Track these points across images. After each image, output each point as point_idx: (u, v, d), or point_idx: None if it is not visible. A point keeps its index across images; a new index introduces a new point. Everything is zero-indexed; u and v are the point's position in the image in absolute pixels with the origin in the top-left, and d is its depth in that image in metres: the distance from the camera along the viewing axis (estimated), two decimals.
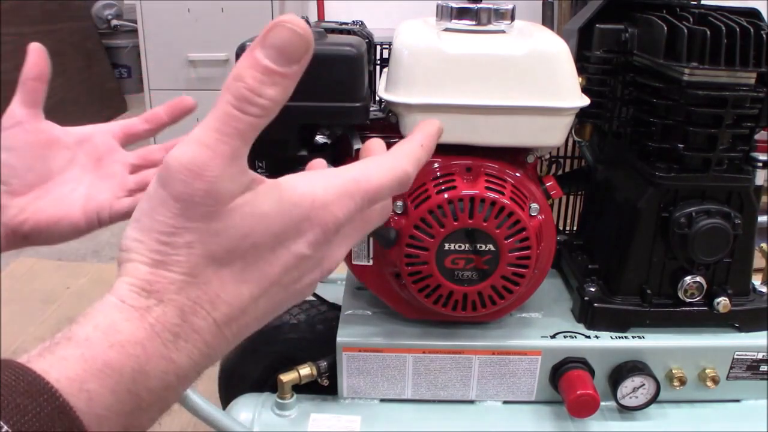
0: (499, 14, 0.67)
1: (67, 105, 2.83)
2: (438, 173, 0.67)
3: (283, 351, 0.83)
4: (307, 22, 0.66)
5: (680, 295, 0.75)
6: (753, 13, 0.71)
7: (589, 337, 0.76)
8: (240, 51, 0.63)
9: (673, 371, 0.75)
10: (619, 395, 0.74)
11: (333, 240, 0.35)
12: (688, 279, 0.74)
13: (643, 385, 0.74)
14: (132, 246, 0.30)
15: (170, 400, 0.31)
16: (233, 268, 0.31)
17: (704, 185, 0.72)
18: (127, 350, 0.28)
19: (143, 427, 0.29)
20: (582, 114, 0.69)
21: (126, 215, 0.58)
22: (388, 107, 0.69)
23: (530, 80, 0.64)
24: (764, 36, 0.67)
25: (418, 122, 0.66)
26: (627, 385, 0.74)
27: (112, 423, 0.27)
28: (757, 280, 0.80)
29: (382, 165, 0.37)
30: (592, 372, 0.74)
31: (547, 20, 1.86)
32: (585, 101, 0.66)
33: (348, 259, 0.74)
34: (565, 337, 0.75)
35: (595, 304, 0.77)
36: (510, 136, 0.67)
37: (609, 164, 0.83)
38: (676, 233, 0.72)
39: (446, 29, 0.68)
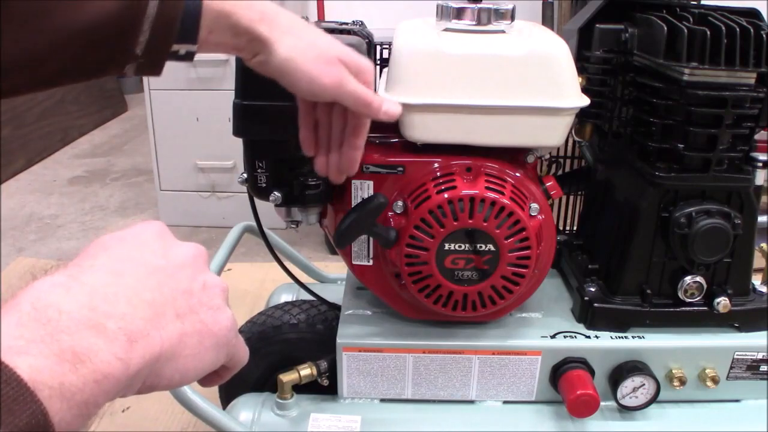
0: (499, 14, 0.67)
1: (67, 105, 2.83)
2: (438, 173, 0.67)
3: (283, 351, 0.83)
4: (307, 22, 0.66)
5: (680, 295, 0.75)
6: (753, 13, 0.71)
7: (589, 337, 0.76)
8: None
9: (673, 371, 0.75)
10: (619, 395, 0.74)
11: None
12: (688, 279, 0.74)
13: (643, 385, 0.74)
14: None
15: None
16: None
17: (704, 185, 0.72)
18: None
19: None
20: (582, 114, 0.70)
21: None
22: None
23: (530, 80, 0.64)
24: (764, 36, 0.67)
25: (417, 122, 0.67)
26: (627, 385, 0.74)
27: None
28: (757, 280, 0.80)
29: None
30: (592, 372, 0.74)
31: (547, 20, 1.86)
32: (585, 101, 0.66)
33: (348, 259, 0.74)
34: (565, 337, 0.75)
35: (595, 304, 0.77)
36: (510, 136, 0.66)
37: (609, 164, 0.83)
38: (676, 233, 0.72)
39: (446, 29, 0.68)
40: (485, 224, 0.65)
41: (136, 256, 0.34)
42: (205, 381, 0.41)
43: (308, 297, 0.87)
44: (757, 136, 0.73)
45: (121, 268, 0.33)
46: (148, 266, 0.34)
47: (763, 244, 0.89)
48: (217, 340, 0.36)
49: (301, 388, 0.76)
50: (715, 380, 0.75)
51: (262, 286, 1.39)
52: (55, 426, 0.26)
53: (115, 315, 0.30)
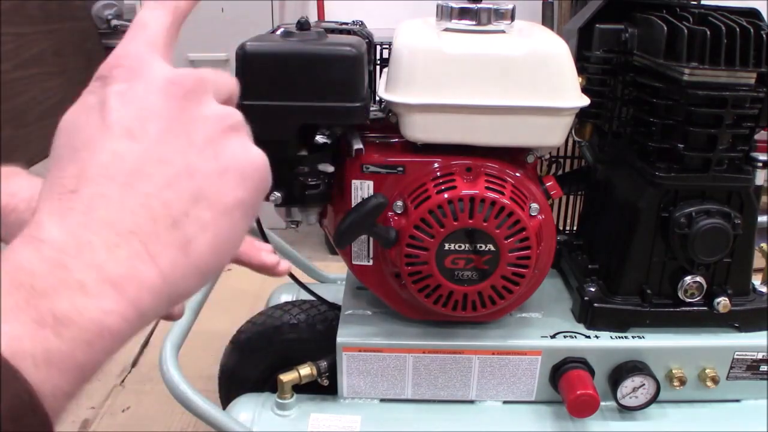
0: (499, 14, 0.67)
1: (67, 105, 2.81)
2: (438, 173, 0.67)
3: (283, 351, 0.83)
4: (308, 22, 0.66)
5: (680, 295, 0.75)
6: (753, 13, 0.71)
7: (589, 337, 0.76)
8: (240, 51, 0.63)
9: (673, 371, 0.75)
10: (619, 395, 0.74)
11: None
12: (688, 279, 0.74)
13: (643, 385, 0.74)
14: None
15: None
16: None
17: (704, 185, 0.72)
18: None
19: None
20: (582, 114, 0.69)
21: None
22: (388, 107, 0.69)
23: (530, 80, 0.64)
24: (764, 36, 0.67)
25: (417, 122, 0.67)
26: (627, 385, 0.74)
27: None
28: (757, 280, 0.80)
29: None
30: (592, 372, 0.74)
31: (547, 20, 1.86)
32: (585, 101, 0.66)
33: (348, 259, 0.74)
34: (565, 337, 0.75)
35: (595, 304, 0.77)
36: (510, 136, 0.66)
37: (609, 164, 0.83)
38: (676, 233, 0.72)
39: (446, 29, 0.68)
40: (485, 224, 0.65)
41: (104, 160, 0.28)
42: None
43: (308, 297, 0.87)
44: (757, 136, 0.73)
45: (88, 195, 0.27)
46: (122, 170, 0.28)
47: (763, 244, 0.89)
48: (242, 206, 0.30)
49: (301, 388, 0.76)
50: (715, 380, 0.75)
51: (262, 286, 1.39)
52: (48, 396, 0.24)
53: (93, 266, 0.26)
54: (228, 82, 0.34)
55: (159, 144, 0.28)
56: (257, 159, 0.32)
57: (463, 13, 0.67)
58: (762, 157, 0.73)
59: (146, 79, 0.30)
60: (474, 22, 0.67)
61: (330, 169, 0.68)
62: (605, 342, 0.75)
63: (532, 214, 0.67)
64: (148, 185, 0.28)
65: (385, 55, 0.80)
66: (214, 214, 0.29)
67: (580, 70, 0.74)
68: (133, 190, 0.27)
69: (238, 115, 0.32)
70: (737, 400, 0.79)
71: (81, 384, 0.26)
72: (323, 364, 0.76)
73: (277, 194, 0.68)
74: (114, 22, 3.40)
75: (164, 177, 0.28)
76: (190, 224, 0.28)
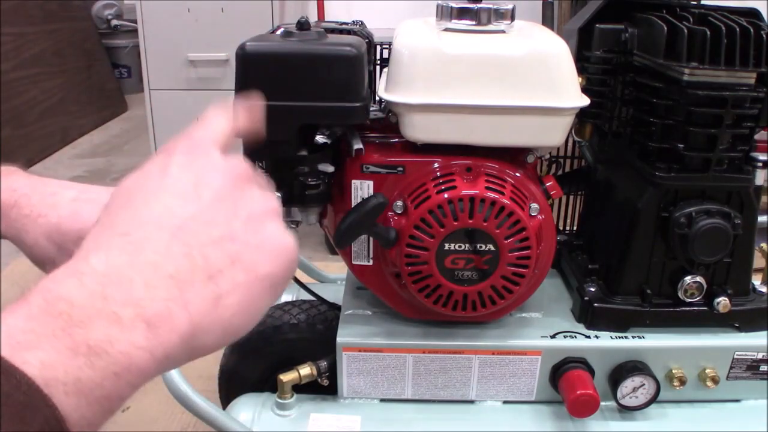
0: (499, 14, 0.67)
1: (67, 105, 2.83)
2: (438, 173, 0.67)
3: (283, 351, 0.83)
4: (308, 22, 0.66)
5: (680, 295, 0.75)
6: (753, 13, 0.71)
7: (589, 337, 0.76)
8: (240, 51, 0.63)
9: (673, 371, 0.75)
10: (619, 395, 0.74)
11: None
12: (688, 279, 0.74)
13: (643, 385, 0.74)
14: None
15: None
16: None
17: (704, 185, 0.72)
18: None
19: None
20: (582, 114, 0.69)
21: None
22: (388, 107, 0.69)
23: (530, 80, 0.64)
24: (764, 36, 0.67)
25: (417, 122, 0.67)
26: (627, 385, 0.74)
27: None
28: (757, 280, 0.80)
29: None
30: (592, 372, 0.74)
31: (547, 20, 1.86)
32: (585, 101, 0.66)
33: (348, 259, 0.74)
34: (565, 337, 0.75)
35: (595, 304, 0.77)
36: (510, 136, 0.66)
37: (609, 164, 0.83)
38: (676, 233, 0.72)
39: (446, 29, 0.68)
40: (485, 224, 0.65)
41: (158, 212, 0.30)
42: None
43: (308, 297, 0.87)
44: (757, 136, 0.73)
45: (138, 239, 0.29)
46: (173, 223, 0.30)
47: (763, 244, 0.89)
48: (271, 279, 0.33)
49: (301, 388, 0.76)
50: (715, 380, 0.75)
51: None
52: (74, 425, 0.25)
53: (131, 301, 0.28)
54: (264, 181, 0.38)
55: (209, 209, 0.32)
56: (290, 243, 0.35)
57: (463, 13, 0.67)
58: (762, 157, 0.73)
59: (206, 157, 0.34)
60: (474, 22, 0.67)
61: (330, 169, 0.68)
62: (605, 342, 0.75)
63: (532, 214, 0.67)
64: (194, 239, 0.30)
65: (385, 55, 0.80)
66: (247, 278, 0.32)
67: (580, 70, 0.74)
68: (179, 241, 0.30)
69: (276, 205, 0.36)
70: (737, 400, 0.79)
71: (105, 416, 0.27)
72: (323, 364, 0.76)
73: (277, 194, 0.68)
74: (114, 22, 3.41)
75: (209, 236, 0.31)
76: (225, 282, 0.31)
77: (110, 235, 0.30)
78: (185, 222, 0.31)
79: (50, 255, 0.46)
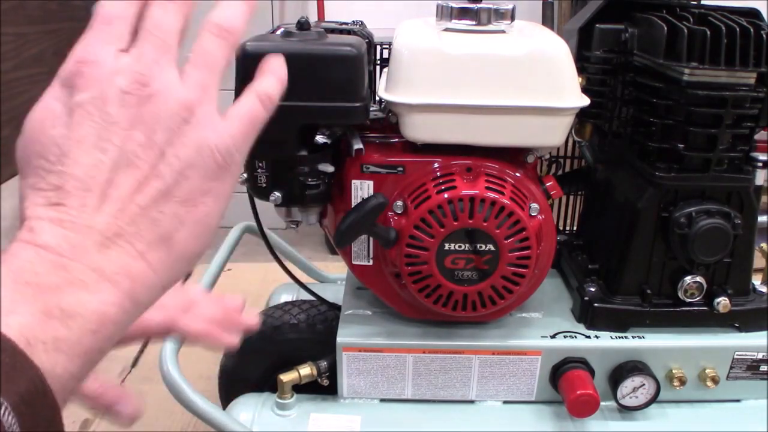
0: (499, 14, 0.67)
1: None
2: (438, 173, 0.67)
3: (283, 351, 0.83)
4: (307, 22, 0.66)
5: (680, 295, 0.75)
6: (753, 13, 0.71)
7: (589, 337, 0.76)
8: (240, 51, 0.63)
9: (673, 371, 0.75)
10: (619, 395, 0.74)
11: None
12: (688, 279, 0.74)
13: (643, 385, 0.74)
14: None
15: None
16: None
17: (704, 185, 0.72)
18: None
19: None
20: (582, 114, 0.69)
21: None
22: (388, 107, 0.69)
23: (530, 80, 0.64)
24: (764, 36, 0.67)
25: (417, 122, 0.67)
26: (627, 385, 0.74)
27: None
28: (757, 280, 0.80)
29: None
30: (592, 372, 0.74)
31: (547, 20, 1.86)
32: (585, 101, 0.66)
33: (348, 259, 0.74)
34: (565, 337, 0.75)
35: (595, 304, 0.77)
36: (510, 136, 0.67)
37: (609, 164, 0.83)
38: (676, 233, 0.72)
39: (446, 29, 0.68)
40: (485, 224, 0.65)
41: (81, 171, 0.31)
42: None
43: (308, 297, 0.87)
44: (757, 136, 0.73)
45: (73, 207, 0.31)
46: (99, 181, 0.31)
47: (763, 244, 0.89)
48: (210, 192, 0.34)
49: (301, 388, 0.76)
50: (715, 380, 0.75)
51: (262, 286, 1.39)
52: (58, 378, 0.27)
53: (90, 267, 0.30)
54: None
55: (125, 151, 0.32)
56: (215, 144, 0.34)
57: (463, 13, 0.67)
58: (762, 157, 0.73)
59: (103, 87, 0.33)
60: (474, 22, 0.67)
61: (330, 169, 0.68)
62: (605, 342, 0.75)
63: (532, 214, 0.67)
64: (121, 192, 0.31)
65: (385, 55, 0.80)
66: (186, 207, 0.33)
67: (580, 70, 0.74)
68: (110, 198, 0.31)
69: (188, 95, 0.34)
70: (737, 400, 0.79)
71: (88, 367, 0.29)
72: (323, 364, 0.76)
73: (277, 194, 0.68)
74: None
75: (134, 182, 0.32)
76: (168, 221, 0.32)
77: (46, 206, 0.31)
78: (109, 176, 0.31)
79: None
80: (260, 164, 0.67)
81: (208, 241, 0.35)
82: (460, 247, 0.66)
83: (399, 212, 0.67)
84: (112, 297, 0.30)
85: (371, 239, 0.72)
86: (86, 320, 0.28)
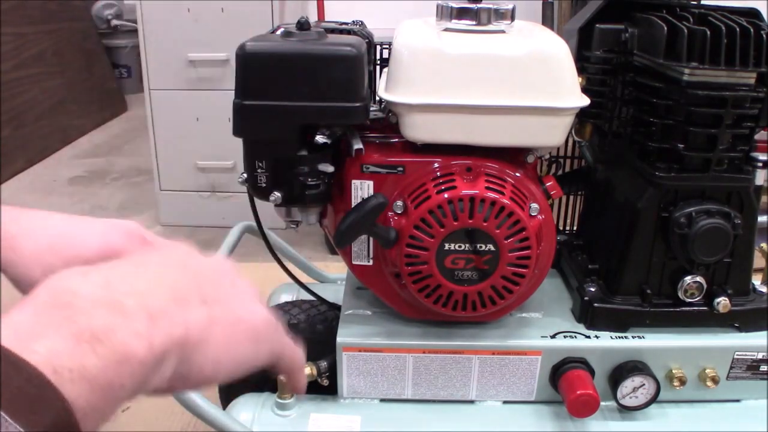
0: (499, 14, 0.67)
1: (67, 105, 2.83)
2: (438, 173, 0.67)
3: None
4: (308, 22, 0.66)
5: (680, 295, 0.75)
6: (753, 13, 0.71)
7: (589, 337, 0.76)
8: (240, 51, 0.63)
9: (673, 371, 0.75)
10: (619, 395, 0.74)
11: None
12: (688, 279, 0.74)
13: (643, 385, 0.74)
14: None
15: None
16: None
17: (704, 185, 0.72)
18: None
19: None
20: (582, 114, 0.70)
21: None
22: (388, 107, 0.69)
23: (530, 80, 0.64)
24: (764, 36, 0.67)
25: (417, 122, 0.67)
26: (627, 385, 0.74)
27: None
28: (757, 280, 0.80)
29: None
30: (592, 372, 0.74)
31: (547, 20, 1.86)
32: (585, 101, 0.66)
33: (348, 259, 0.74)
34: (565, 337, 0.75)
35: (595, 304, 0.77)
36: (510, 136, 0.67)
37: (609, 164, 0.83)
38: (676, 233, 0.72)
39: (446, 29, 0.68)
40: (485, 224, 0.65)
41: (159, 255, 0.34)
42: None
43: (308, 297, 0.87)
44: (757, 136, 0.73)
45: (142, 260, 0.32)
46: (172, 259, 0.33)
47: (763, 244, 0.89)
48: (254, 332, 0.35)
49: None
50: (715, 380, 0.75)
51: (262, 286, 1.39)
52: (82, 413, 0.25)
53: (134, 293, 0.29)
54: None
55: (204, 273, 0.35)
56: (266, 315, 0.37)
57: (463, 13, 0.67)
58: (762, 157, 0.73)
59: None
60: (474, 22, 0.67)
61: (330, 169, 0.68)
62: (605, 342, 0.75)
63: (532, 214, 0.67)
64: (191, 271, 0.34)
65: (385, 55, 0.80)
66: (229, 319, 0.34)
67: (580, 70, 0.74)
68: (178, 266, 0.33)
69: (262, 310, 0.37)
70: (737, 400, 0.79)
71: (110, 405, 0.27)
72: (323, 364, 0.76)
73: (277, 194, 0.68)
74: (114, 22, 3.41)
75: (202, 275, 0.34)
76: (215, 310, 0.33)
77: (112, 262, 0.32)
78: (181, 261, 0.34)
79: (35, 277, 0.45)
80: (260, 164, 0.67)
81: (235, 364, 0.35)
82: (460, 247, 0.66)
83: (399, 212, 0.67)
84: (145, 330, 0.28)
85: (371, 239, 0.72)
86: (114, 349, 0.27)
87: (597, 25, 0.76)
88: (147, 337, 0.28)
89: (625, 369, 0.74)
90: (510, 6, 0.68)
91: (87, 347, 0.26)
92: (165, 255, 0.34)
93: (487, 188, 0.65)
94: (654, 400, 0.74)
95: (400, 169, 0.69)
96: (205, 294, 0.33)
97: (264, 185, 0.68)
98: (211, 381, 0.33)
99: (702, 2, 0.79)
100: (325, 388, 0.77)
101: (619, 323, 0.76)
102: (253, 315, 0.35)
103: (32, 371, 0.24)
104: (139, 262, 0.32)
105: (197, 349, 0.31)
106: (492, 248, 0.65)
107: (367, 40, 0.74)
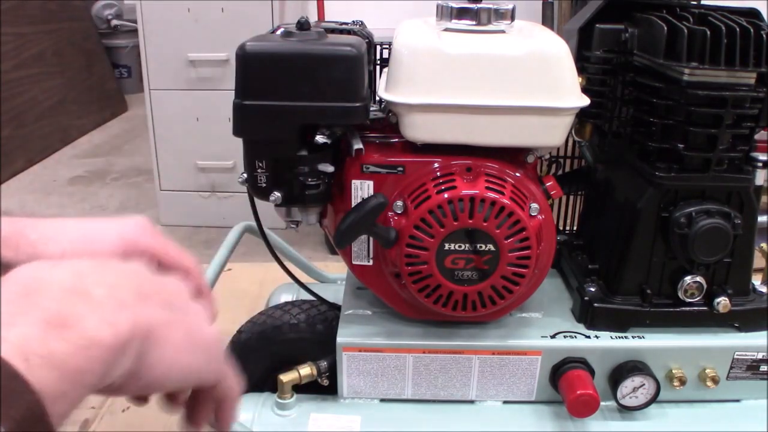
0: (499, 14, 0.67)
1: (67, 105, 2.83)
2: (438, 173, 0.67)
3: (283, 351, 0.83)
4: (308, 22, 0.66)
5: (680, 295, 0.75)
6: (753, 13, 0.71)
7: (589, 337, 0.76)
8: (240, 51, 0.63)
9: (673, 371, 0.75)
10: (619, 395, 0.74)
11: None
12: (688, 279, 0.74)
13: (643, 385, 0.74)
14: None
15: None
16: None
17: (704, 185, 0.72)
18: None
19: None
20: (582, 114, 0.70)
21: None
22: (388, 107, 0.69)
23: (530, 80, 0.64)
24: (764, 36, 0.67)
25: (417, 122, 0.67)
26: (627, 385, 0.74)
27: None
28: (757, 280, 0.80)
29: None
30: (592, 372, 0.74)
31: (547, 20, 1.86)
32: (585, 101, 0.66)
33: (348, 259, 0.74)
34: (565, 337, 0.75)
35: (595, 304, 0.77)
36: (510, 136, 0.66)
37: (609, 164, 0.83)
38: (676, 233, 0.72)
39: (446, 29, 0.68)
40: (485, 224, 0.65)
41: (123, 263, 0.34)
42: (174, 400, 0.41)
43: (308, 297, 0.87)
44: (757, 136, 0.73)
45: (107, 262, 0.33)
46: (135, 267, 0.34)
47: (763, 244, 0.89)
48: (206, 346, 0.35)
49: (301, 388, 0.76)
50: (715, 380, 0.75)
51: (262, 286, 1.39)
52: (52, 400, 0.26)
53: (103, 284, 0.30)
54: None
55: (158, 286, 0.35)
56: (213, 334, 0.37)
57: (463, 13, 0.67)
58: (762, 157, 0.73)
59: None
60: (474, 22, 0.67)
61: (330, 169, 0.68)
62: (605, 342, 0.75)
63: (532, 214, 0.67)
64: (146, 282, 0.34)
65: (385, 55, 0.80)
66: (185, 327, 0.34)
67: (580, 70, 0.74)
68: (136, 276, 0.33)
69: (210, 327, 0.38)
70: (737, 400, 0.79)
71: (80, 391, 0.27)
72: (323, 364, 0.76)
73: (277, 194, 0.68)
74: (114, 22, 3.41)
75: (158, 286, 0.34)
76: (174, 313, 0.33)
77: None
78: (139, 272, 0.34)
79: None
80: (260, 164, 0.67)
81: (188, 372, 0.35)
82: (460, 247, 0.66)
83: (399, 212, 0.67)
84: (112, 316, 0.29)
85: (371, 239, 0.72)
86: (81, 334, 0.27)
87: (597, 25, 0.76)
88: (114, 324, 0.29)
89: (625, 369, 0.74)
90: (510, 6, 0.68)
91: (55, 333, 0.27)
92: (128, 264, 0.35)
93: (487, 188, 0.65)
94: (654, 400, 0.74)
95: (400, 169, 0.69)
96: (166, 300, 0.33)
97: (264, 185, 0.68)
98: (159, 385, 0.33)
99: (702, 2, 0.79)
100: (325, 388, 0.77)
101: (619, 323, 0.76)
102: (208, 332, 0.36)
103: (4, 365, 0.25)
104: (104, 262, 0.33)
105: (155, 346, 0.31)
106: (492, 248, 0.65)
107: (367, 40, 0.74)
